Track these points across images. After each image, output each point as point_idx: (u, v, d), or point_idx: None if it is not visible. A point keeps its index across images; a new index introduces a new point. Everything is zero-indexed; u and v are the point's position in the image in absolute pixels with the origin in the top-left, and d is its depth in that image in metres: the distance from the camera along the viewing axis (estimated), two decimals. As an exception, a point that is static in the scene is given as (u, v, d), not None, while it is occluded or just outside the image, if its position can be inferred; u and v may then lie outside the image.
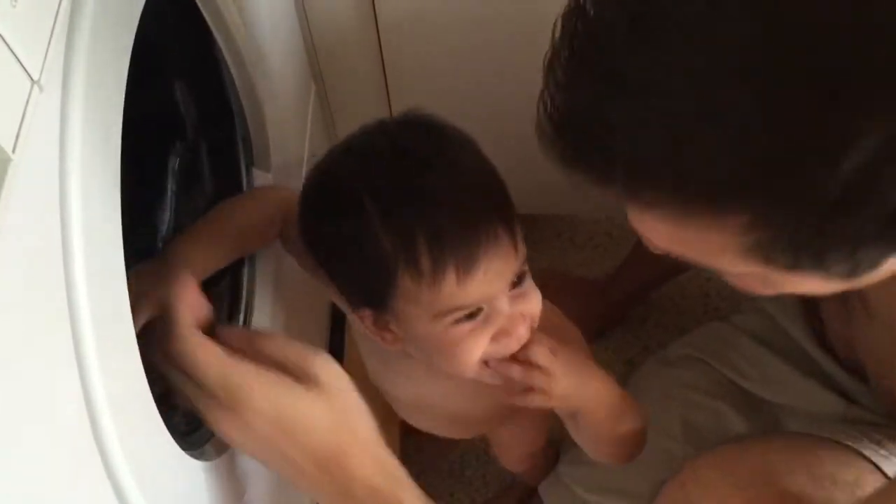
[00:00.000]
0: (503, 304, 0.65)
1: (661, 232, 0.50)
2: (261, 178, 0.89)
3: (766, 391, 0.99)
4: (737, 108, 0.40)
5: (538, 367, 0.68)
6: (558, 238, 1.48)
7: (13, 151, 0.40)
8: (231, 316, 0.83)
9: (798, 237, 0.43)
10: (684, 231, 0.47)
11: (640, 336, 1.37)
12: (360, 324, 0.72)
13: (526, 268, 0.67)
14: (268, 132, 0.86)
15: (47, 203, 0.45)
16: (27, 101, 0.42)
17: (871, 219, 0.41)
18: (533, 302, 0.68)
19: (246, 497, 0.74)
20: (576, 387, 0.71)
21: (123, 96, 0.53)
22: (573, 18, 0.46)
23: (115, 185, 0.51)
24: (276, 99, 0.88)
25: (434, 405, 0.86)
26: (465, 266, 0.62)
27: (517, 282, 0.66)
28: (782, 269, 0.46)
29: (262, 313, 0.85)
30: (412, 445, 1.28)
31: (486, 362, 0.69)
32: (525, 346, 0.68)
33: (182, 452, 0.60)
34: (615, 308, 1.34)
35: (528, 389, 0.70)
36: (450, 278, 0.62)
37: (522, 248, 0.66)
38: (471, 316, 0.65)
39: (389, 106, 1.20)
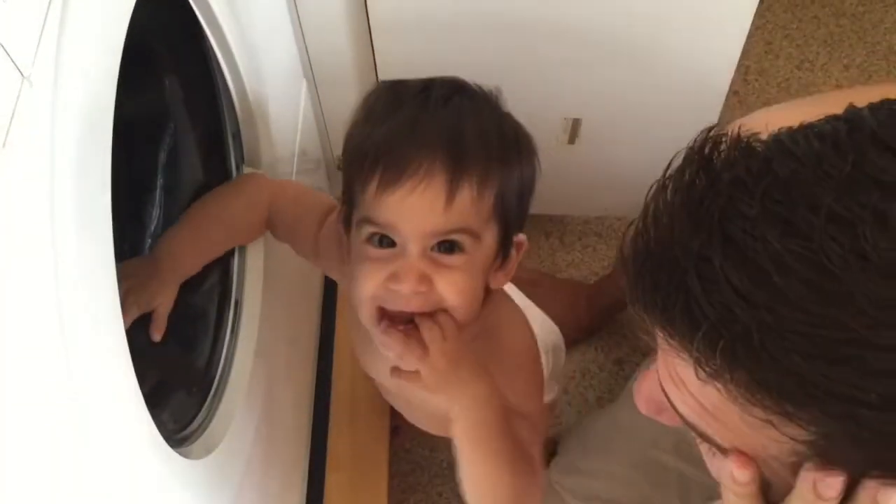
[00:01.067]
0: (411, 249, 0.65)
1: (695, 398, 0.47)
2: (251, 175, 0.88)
3: None
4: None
5: (419, 342, 0.67)
6: (547, 238, 1.48)
7: (3, 146, 0.40)
8: (222, 307, 0.82)
9: (853, 454, 0.43)
10: (730, 410, 0.44)
11: (629, 336, 1.37)
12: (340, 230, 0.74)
13: (460, 242, 0.66)
14: (258, 129, 0.86)
15: (37, 199, 0.44)
16: (17, 97, 0.41)
17: None
18: (447, 281, 0.66)
19: (234, 495, 0.74)
20: (450, 382, 0.70)
21: (114, 92, 0.52)
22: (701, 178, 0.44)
23: (105, 182, 0.51)
24: (267, 95, 0.88)
25: (410, 395, 0.87)
26: (387, 179, 0.64)
27: (445, 247, 0.66)
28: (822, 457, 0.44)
29: (253, 302, 0.84)
30: (400, 444, 1.29)
31: (382, 315, 0.69)
32: (422, 317, 0.68)
33: (170, 450, 0.60)
34: (603, 312, 1.34)
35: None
36: (372, 185, 0.65)
37: (460, 217, 0.65)
38: (381, 241, 0.67)
39: (380, 104, 1.20)
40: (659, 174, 0.47)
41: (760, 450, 0.46)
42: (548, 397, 0.91)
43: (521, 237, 0.73)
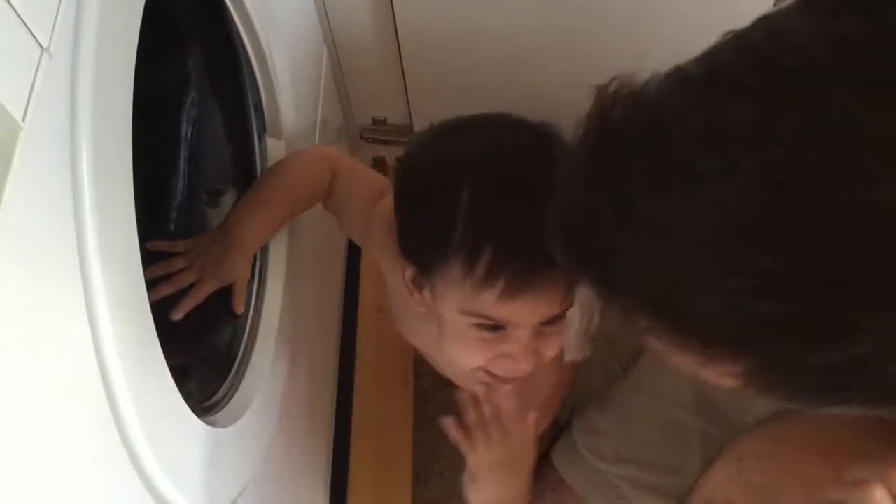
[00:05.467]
0: (524, 335, 0.67)
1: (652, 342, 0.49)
2: (273, 145, 0.88)
3: None
4: (746, 271, 0.39)
5: (495, 419, 0.74)
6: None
7: (23, 120, 0.40)
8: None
9: (777, 388, 0.44)
10: (672, 351, 0.46)
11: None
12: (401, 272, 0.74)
13: (564, 313, 0.68)
14: (280, 98, 0.86)
15: (59, 172, 0.44)
16: (37, 69, 0.41)
17: (849, 398, 0.42)
18: (551, 347, 0.70)
19: (258, 464, 0.75)
20: (495, 472, 0.77)
21: (134, 64, 0.52)
22: (598, 129, 0.45)
23: (126, 154, 0.51)
24: (288, 65, 0.87)
25: (440, 362, 0.89)
26: (514, 289, 0.63)
27: (549, 322, 0.68)
28: (758, 391, 0.46)
29: (278, 267, 0.85)
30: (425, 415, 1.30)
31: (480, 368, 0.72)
32: (514, 383, 0.72)
33: (196, 419, 0.61)
34: None
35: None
36: (494, 292, 0.64)
37: (571, 298, 0.67)
38: (493, 328, 0.67)
39: (403, 73, 1.19)
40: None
41: (718, 382, 0.48)
42: (582, 355, 0.92)
43: None
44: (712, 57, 0.43)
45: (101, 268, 0.46)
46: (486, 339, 0.68)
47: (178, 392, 0.57)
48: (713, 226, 0.39)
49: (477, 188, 0.64)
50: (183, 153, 0.81)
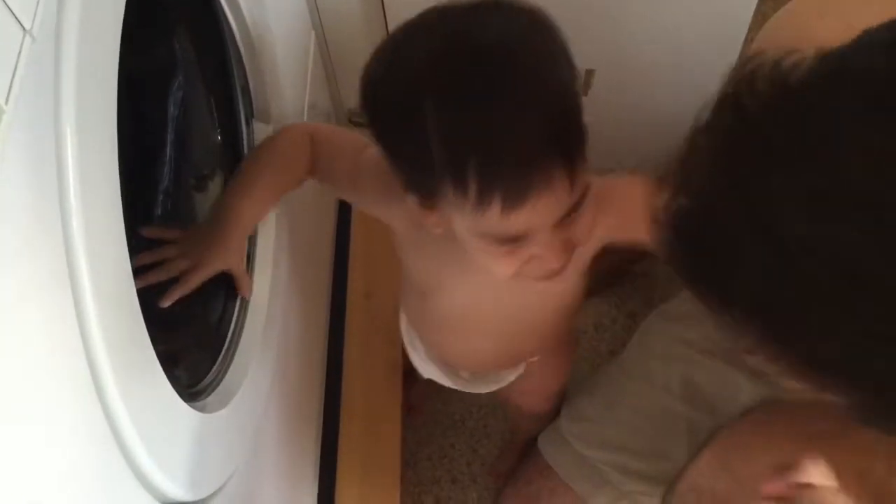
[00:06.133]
0: (545, 237, 0.64)
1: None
2: (261, 130, 0.88)
3: None
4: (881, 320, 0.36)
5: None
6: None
7: (6, 103, 0.39)
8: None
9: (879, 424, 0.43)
10: (780, 370, 0.43)
11: (641, 288, 1.37)
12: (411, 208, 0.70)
13: (582, 195, 0.64)
14: (267, 82, 0.85)
15: (43, 156, 0.44)
16: (19, 52, 0.41)
17: None
18: (579, 232, 0.66)
19: (247, 448, 0.75)
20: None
21: (119, 46, 0.52)
22: (736, 120, 0.39)
23: (111, 137, 0.51)
24: (276, 48, 0.86)
25: (486, 313, 0.85)
26: (512, 201, 0.60)
27: (566, 214, 0.64)
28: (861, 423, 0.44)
29: (265, 254, 0.85)
30: (415, 397, 1.30)
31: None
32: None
33: (184, 404, 0.60)
34: (619, 264, 1.34)
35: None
36: (494, 209, 0.60)
37: (581, 181, 0.62)
38: (512, 240, 0.64)
39: (391, 56, 1.18)
40: (673, 125, 0.43)
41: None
42: None
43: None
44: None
45: (86, 253, 0.46)
46: (509, 251, 0.65)
47: (165, 377, 0.57)
48: (861, 262, 0.35)
49: (439, 106, 0.59)
50: (169, 137, 0.81)
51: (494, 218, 0.61)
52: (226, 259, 0.77)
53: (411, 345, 1.01)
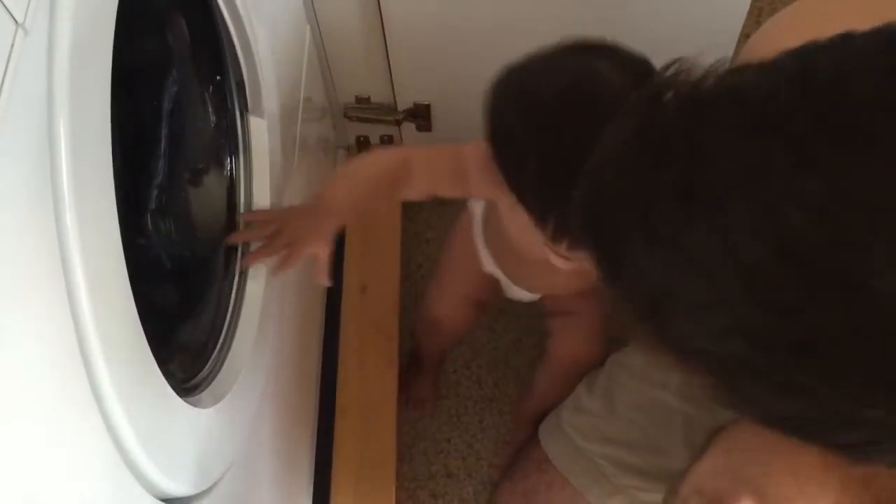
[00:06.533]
0: None
1: None
2: (256, 124, 0.87)
3: None
4: (730, 312, 0.39)
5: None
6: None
7: (-2, 98, 0.39)
8: (228, 255, 0.83)
9: (739, 412, 0.46)
10: (651, 346, 0.46)
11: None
12: None
13: None
14: (262, 77, 0.85)
15: (36, 150, 0.44)
16: (12, 46, 0.40)
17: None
18: None
19: (242, 444, 0.75)
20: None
21: (112, 40, 0.51)
22: (646, 114, 0.43)
23: (105, 132, 0.50)
24: (271, 43, 0.86)
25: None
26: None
27: None
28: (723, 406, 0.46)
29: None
30: (423, 389, 1.30)
31: None
32: None
33: (179, 399, 0.60)
34: None
35: None
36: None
37: None
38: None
39: (386, 51, 1.18)
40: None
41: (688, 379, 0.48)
42: None
43: None
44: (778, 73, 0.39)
45: (80, 248, 0.46)
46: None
47: (160, 373, 0.57)
48: (718, 261, 0.38)
49: (540, 160, 0.69)
50: (164, 132, 0.80)
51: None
52: (320, 242, 0.82)
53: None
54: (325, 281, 0.84)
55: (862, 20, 0.39)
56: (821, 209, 0.35)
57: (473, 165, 0.83)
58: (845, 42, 0.38)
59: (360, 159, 0.92)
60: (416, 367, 1.30)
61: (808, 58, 0.39)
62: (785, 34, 0.46)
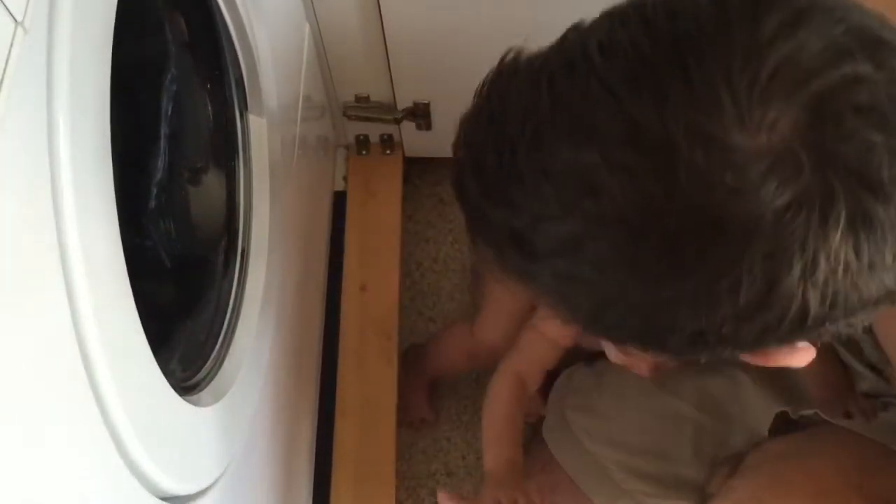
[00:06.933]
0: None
1: None
2: (255, 122, 0.87)
3: None
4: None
5: None
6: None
7: (-3, 97, 0.39)
8: (228, 256, 0.83)
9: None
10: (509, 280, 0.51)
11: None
12: None
13: None
14: (261, 75, 0.85)
15: (35, 149, 0.44)
16: (11, 44, 0.40)
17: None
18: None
19: (241, 443, 0.75)
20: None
21: (112, 38, 0.51)
22: (478, 93, 0.51)
23: (105, 131, 0.50)
24: (270, 42, 0.86)
25: None
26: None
27: None
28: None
29: (260, 250, 0.84)
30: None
31: None
32: None
33: (178, 398, 0.60)
34: None
35: None
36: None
37: None
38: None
39: (386, 50, 1.18)
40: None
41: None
42: None
43: None
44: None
45: (80, 245, 0.46)
46: (625, 355, 0.74)
47: (160, 371, 0.57)
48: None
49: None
50: (163, 130, 0.80)
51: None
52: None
53: None
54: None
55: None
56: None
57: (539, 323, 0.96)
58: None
59: (487, 413, 1.03)
60: (410, 385, 1.28)
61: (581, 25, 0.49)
62: None
